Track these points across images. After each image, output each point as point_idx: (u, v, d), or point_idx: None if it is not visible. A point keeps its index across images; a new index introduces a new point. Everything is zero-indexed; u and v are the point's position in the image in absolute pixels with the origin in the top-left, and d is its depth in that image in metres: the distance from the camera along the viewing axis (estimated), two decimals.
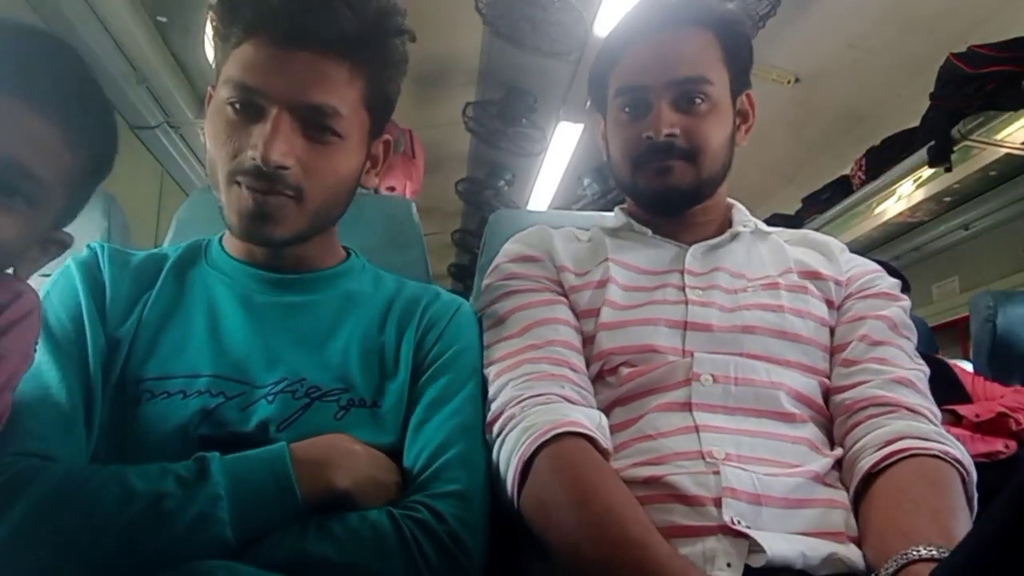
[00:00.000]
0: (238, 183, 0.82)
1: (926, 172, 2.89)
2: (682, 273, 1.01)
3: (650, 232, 1.08)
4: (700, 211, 1.07)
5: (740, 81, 1.07)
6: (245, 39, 0.82)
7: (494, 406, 0.89)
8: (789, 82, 3.23)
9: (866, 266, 1.06)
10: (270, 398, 0.81)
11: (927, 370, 0.95)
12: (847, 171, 3.36)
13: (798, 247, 1.08)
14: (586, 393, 0.92)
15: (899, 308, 1.00)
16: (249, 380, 0.83)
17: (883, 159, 3.06)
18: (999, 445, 1.60)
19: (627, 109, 1.04)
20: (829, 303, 1.00)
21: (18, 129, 0.67)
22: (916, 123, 2.80)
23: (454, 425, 0.84)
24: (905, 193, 3.13)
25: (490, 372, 0.93)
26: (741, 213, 1.11)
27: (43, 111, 0.68)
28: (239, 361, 0.84)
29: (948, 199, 3.11)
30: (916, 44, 2.79)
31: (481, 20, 3.01)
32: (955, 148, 2.59)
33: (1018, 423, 1.65)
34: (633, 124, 1.03)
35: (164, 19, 2.49)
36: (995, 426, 1.64)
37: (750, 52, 1.08)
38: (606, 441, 0.85)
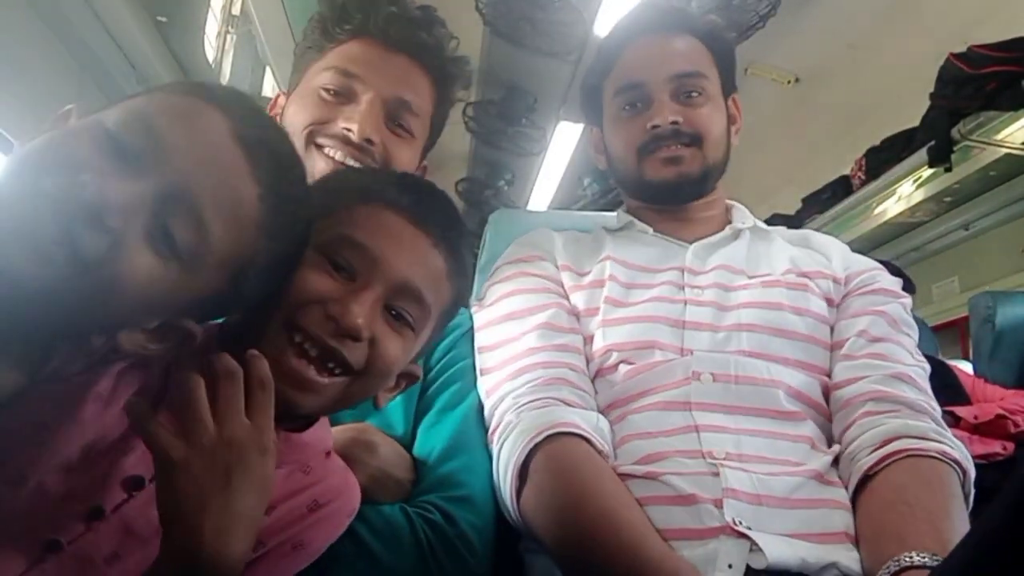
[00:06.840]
0: (318, 146, 0.90)
1: (926, 172, 2.88)
2: (682, 271, 1.01)
3: (651, 231, 1.09)
4: (702, 206, 1.09)
5: (729, 83, 1.12)
6: (351, 39, 0.94)
7: (494, 416, 0.90)
8: (789, 82, 3.24)
9: (865, 264, 1.07)
10: None
11: (927, 367, 0.96)
12: (847, 171, 3.36)
13: (798, 247, 1.08)
14: (586, 395, 0.92)
15: (899, 304, 1.00)
16: None
17: (883, 159, 3.06)
18: (997, 447, 1.61)
19: (627, 107, 1.07)
20: (828, 301, 1.00)
21: (422, 258, 0.68)
22: (916, 123, 2.80)
23: (464, 430, 0.88)
24: (905, 193, 3.13)
25: (488, 380, 0.93)
26: (741, 212, 1.13)
27: (438, 244, 0.69)
28: None
29: (948, 199, 3.10)
30: (916, 44, 2.79)
31: (481, 20, 3.01)
32: (955, 148, 2.59)
33: (1016, 425, 1.65)
34: (635, 119, 1.06)
35: (164, 19, 2.49)
36: (993, 428, 1.64)
37: (734, 58, 1.14)
38: (603, 442, 0.85)
